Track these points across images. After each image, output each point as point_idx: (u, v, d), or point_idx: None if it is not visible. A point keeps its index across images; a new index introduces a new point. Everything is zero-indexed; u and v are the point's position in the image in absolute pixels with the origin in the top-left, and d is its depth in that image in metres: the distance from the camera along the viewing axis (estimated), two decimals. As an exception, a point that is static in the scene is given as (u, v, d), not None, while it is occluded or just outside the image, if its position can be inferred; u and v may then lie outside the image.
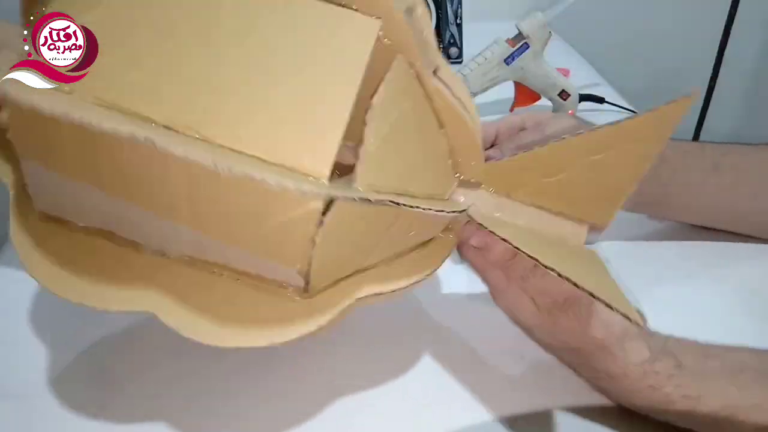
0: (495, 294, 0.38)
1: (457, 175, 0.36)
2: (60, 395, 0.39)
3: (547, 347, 0.39)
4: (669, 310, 0.39)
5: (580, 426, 0.37)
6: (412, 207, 0.31)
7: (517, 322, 0.38)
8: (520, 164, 0.35)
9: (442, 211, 0.33)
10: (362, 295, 0.32)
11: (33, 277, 0.31)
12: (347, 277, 0.33)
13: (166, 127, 0.27)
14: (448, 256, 0.36)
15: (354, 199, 0.28)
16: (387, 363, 0.42)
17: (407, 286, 0.34)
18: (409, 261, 0.35)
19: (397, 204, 0.30)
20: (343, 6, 0.29)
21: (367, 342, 0.43)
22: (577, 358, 0.37)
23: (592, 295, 0.29)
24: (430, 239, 0.36)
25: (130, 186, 0.28)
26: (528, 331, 0.38)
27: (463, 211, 0.35)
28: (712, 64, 1.32)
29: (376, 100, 0.29)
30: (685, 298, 0.47)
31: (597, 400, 0.38)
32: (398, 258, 0.35)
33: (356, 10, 0.29)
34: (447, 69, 0.36)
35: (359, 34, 0.29)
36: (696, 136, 1.39)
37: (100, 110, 0.27)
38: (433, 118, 0.34)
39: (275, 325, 0.30)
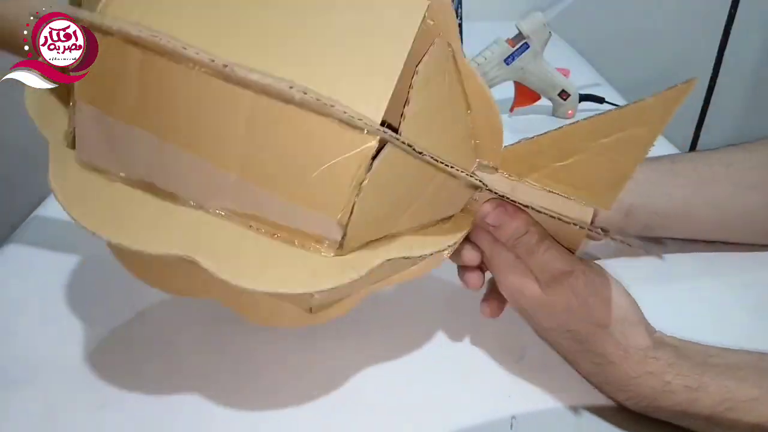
0: (501, 278, 0.39)
1: (478, 160, 0.38)
2: (59, 395, 0.39)
3: (547, 334, 0.39)
4: (668, 312, 0.39)
5: (581, 426, 0.37)
6: (447, 166, 0.33)
7: (520, 305, 0.38)
8: (536, 148, 0.37)
9: (472, 176, 0.35)
10: (391, 257, 0.34)
11: (69, 215, 0.31)
12: (377, 240, 0.35)
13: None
14: (468, 231, 0.38)
15: (404, 144, 0.31)
16: (385, 363, 0.42)
17: (432, 254, 0.36)
18: (433, 232, 0.37)
19: (436, 161, 0.33)
20: None
21: (366, 342, 0.43)
22: (576, 344, 0.37)
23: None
24: (451, 217, 0.38)
25: (188, 127, 0.30)
26: (530, 316, 0.39)
27: (485, 186, 0.37)
28: (712, 64, 1.33)
29: (421, 67, 0.32)
30: (686, 301, 0.47)
31: (597, 400, 0.38)
32: (423, 229, 0.37)
33: None
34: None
35: (410, 9, 0.32)
36: (696, 136, 1.39)
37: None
38: (463, 100, 0.36)
39: (310, 277, 0.32)
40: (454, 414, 0.38)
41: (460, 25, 0.93)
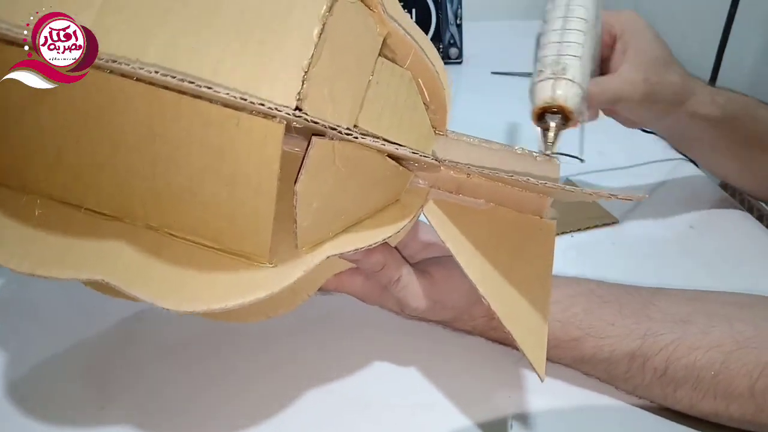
0: (404, 289, 0.38)
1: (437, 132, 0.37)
2: (59, 396, 0.39)
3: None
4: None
5: (580, 426, 0.37)
6: (397, 148, 0.31)
7: (417, 306, 0.39)
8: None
9: (426, 156, 0.33)
10: (329, 255, 0.32)
11: None
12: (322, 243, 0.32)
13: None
14: (417, 213, 0.36)
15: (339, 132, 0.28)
16: (385, 363, 0.42)
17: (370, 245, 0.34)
18: (383, 217, 0.35)
19: (387, 142, 0.30)
20: None
21: (365, 342, 0.43)
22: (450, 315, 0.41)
23: (512, 336, 0.33)
24: (395, 203, 0.36)
25: (87, 133, 0.28)
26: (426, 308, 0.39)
27: (437, 159, 0.34)
28: (712, 64, 1.33)
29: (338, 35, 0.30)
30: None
31: (597, 400, 0.38)
32: (370, 218, 0.34)
33: None
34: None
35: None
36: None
37: None
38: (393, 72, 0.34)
39: (240, 288, 0.30)
40: (453, 414, 0.38)
41: (459, 26, 0.93)
